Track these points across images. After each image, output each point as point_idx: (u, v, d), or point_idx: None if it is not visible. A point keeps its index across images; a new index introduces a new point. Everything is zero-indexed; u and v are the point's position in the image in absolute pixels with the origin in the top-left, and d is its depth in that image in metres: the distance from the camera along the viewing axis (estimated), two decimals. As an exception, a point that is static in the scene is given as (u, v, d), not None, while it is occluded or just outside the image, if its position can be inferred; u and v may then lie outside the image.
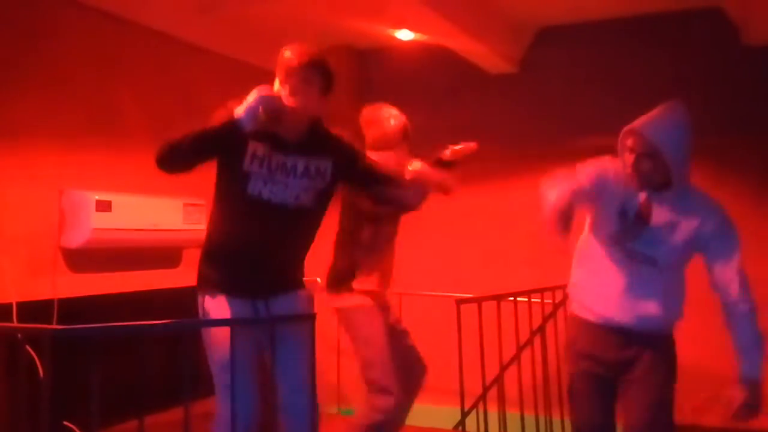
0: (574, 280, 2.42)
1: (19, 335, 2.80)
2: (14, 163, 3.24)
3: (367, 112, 2.94)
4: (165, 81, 4.03)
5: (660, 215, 2.17)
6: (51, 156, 3.41)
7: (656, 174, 2.14)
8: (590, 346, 2.30)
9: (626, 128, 2.19)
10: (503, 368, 3.23)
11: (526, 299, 3.33)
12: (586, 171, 2.24)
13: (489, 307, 3.07)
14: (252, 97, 2.04)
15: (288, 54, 2.15)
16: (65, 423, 3.07)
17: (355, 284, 2.79)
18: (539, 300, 3.44)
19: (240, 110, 2.04)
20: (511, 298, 3.24)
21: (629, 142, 2.17)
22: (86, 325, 1.91)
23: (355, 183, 2.41)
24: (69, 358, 2.09)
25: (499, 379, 3.19)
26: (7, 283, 3.10)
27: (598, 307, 2.28)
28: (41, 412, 1.81)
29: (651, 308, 2.20)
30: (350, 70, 5.23)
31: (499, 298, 3.20)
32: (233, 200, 2.19)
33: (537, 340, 3.38)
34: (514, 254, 4.71)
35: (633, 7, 4.41)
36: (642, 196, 2.21)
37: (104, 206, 3.41)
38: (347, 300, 2.79)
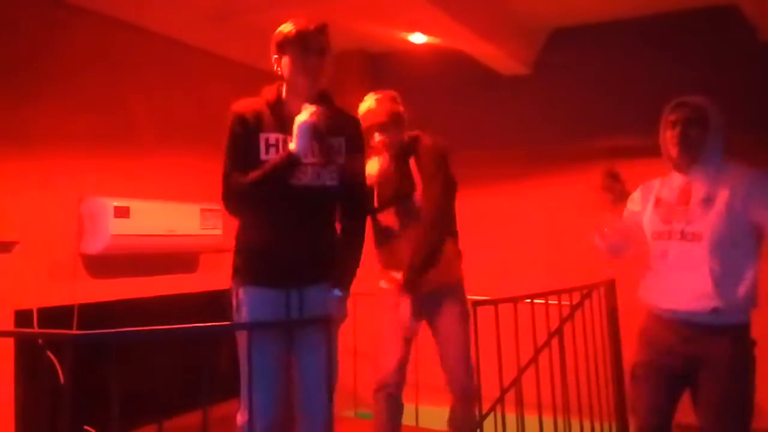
0: (643, 284, 2.47)
1: (40, 341, 2.85)
2: (33, 171, 3.29)
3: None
4: (180, 87, 4.07)
5: (698, 192, 2.24)
6: (69, 163, 3.46)
7: (702, 141, 2.24)
8: (659, 337, 2.34)
9: (674, 102, 2.30)
10: (521, 371, 3.20)
11: (543, 301, 3.31)
12: (628, 206, 2.45)
13: (506, 309, 3.05)
14: (298, 132, 2.11)
15: (283, 28, 2.20)
16: (85, 427, 3.10)
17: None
18: (557, 302, 3.42)
19: (293, 145, 2.11)
20: (528, 300, 3.22)
21: (675, 114, 2.27)
22: (106, 330, 1.93)
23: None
24: (89, 363, 2.11)
25: (516, 382, 3.17)
26: (28, 290, 3.14)
27: (663, 301, 2.32)
28: (62, 416, 1.83)
29: (706, 287, 2.20)
30: (363, 74, 5.24)
31: (515, 300, 3.18)
32: None
33: (555, 343, 3.36)
34: (530, 256, 4.70)
35: (647, 7, 4.38)
36: (680, 179, 2.29)
37: (122, 212, 3.45)
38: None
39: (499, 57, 4.55)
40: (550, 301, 3.35)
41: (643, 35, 4.53)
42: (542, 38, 4.82)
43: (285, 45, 2.18)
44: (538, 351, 3.29)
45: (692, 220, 2.24)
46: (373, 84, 5.27)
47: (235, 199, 2.15)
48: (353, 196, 2.30)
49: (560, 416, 3.27)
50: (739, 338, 2.25)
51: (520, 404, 3.11)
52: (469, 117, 4.84)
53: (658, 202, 2.38)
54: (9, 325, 3.02)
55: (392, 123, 2.88)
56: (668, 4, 4.35)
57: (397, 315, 2.86)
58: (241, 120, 2.16)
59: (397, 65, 5.17)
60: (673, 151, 2.28)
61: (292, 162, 2.11)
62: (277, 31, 2.22)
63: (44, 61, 3.36)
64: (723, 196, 2.21)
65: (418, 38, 4.72)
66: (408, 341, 2.98)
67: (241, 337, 2.19)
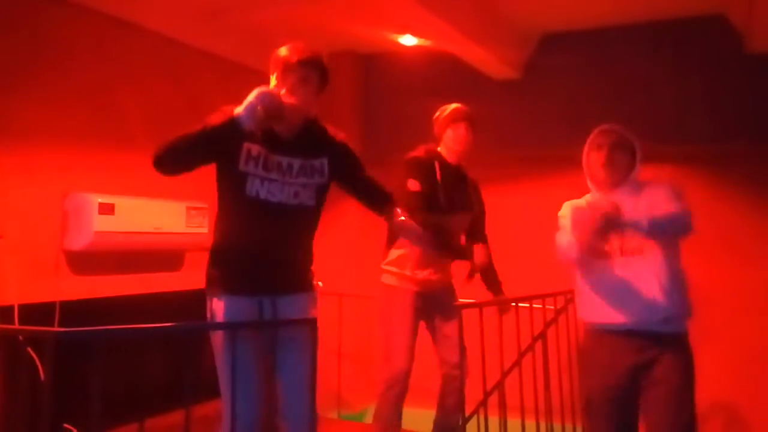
0: (582, 302, 2.47)
1: (21, 337, 2.81)
2: (18, 165, 3.25)
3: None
4: (170, 85, 4.05)
5: (626, 210, 2.26)
6: (55, 158, 3.42)
7: (627, 166, 2.35)
8: (608, 355, 2.33)
9: (599, 128, 2.41)
10: (504, 374, 3.22)
11: (528, 305, 3.32)
12: (567, 221, 2.43)
13: (490, 312, 3.06)
14: (252, 96, 2.03)
15: (285, 52, 2.17)
16: (65, 425, 3.07)
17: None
18: (541, 306, 3.43)
19: (240, 109, 2.03)
20: (513, 304, 3.24)
21: (601, 139, 2.38)
22: (88, 328, 1.91)
23: (345, 184, 2.38)
24: (70, 361, 2.09)
25: (500, 385, 3.18)
26: (10, 285, 3.10)
27: (611, 317, 2.32)
28: (42, 414, 1.81)
29: (656, 296, 2.23)
30: (354, 75, 5.24)
31: (500, 303, 3.20)
32: (233, 202, 2.20)
33: (538, 346, 3.37)
34: (515, 259, 4.70)
35: (637, 14, 4.42)
36: (608, 202, 2.29)
37: (107, 209, 3.42)
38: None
39: (490, 61, 4.57)
40: (534, 305, 3.37)
41: (633, 42, 4.57)
42: (533, 43, 4.84)
43: (284, 69, 2.15)
44: (521, 354, 3.30)
45: (627, 235, 2.29)
46: (364, 85, 5.28)
47: (163, 149, 2.02)
48: (373, 188, 2.37)
49: (543, 420, 3.28)
50: (684, 346, 2.31)
51: (503, 407, 3.12)
52: (458, 120, 4.84)
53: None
54: (-11, 320, 2.99)
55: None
56: (658, 13, 4.39)
57: (407, 313, 3.00)
58: (221, 112, 2.10)
59: (388, 67, 5.17)
60: (600, 173, 2.36)
61: (232, 124, 2.00)
62: (281, 53, 2.18)
63: (32, 55, 3.33)
64: (644, 208, 2.27)
65: (408, 40, 4.72)
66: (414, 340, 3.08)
67: (218, 345, 2.17)
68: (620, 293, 2.30)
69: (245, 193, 2.14)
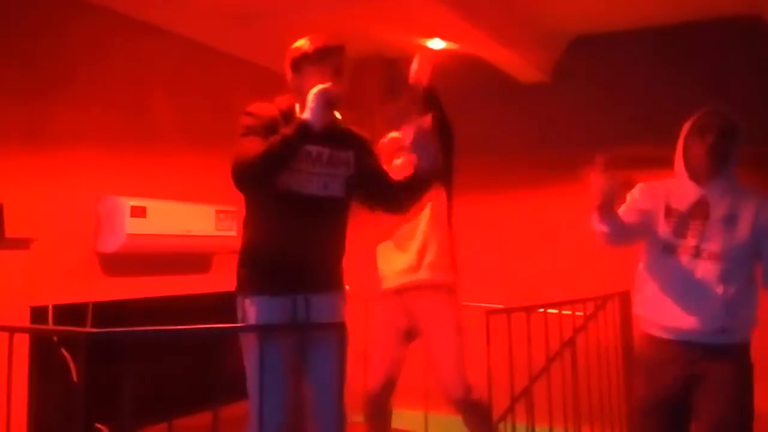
0: (643, 298, 2.35)
1: (55, 337, 2.88)
2: (52, 168, 3.32)
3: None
4: (201, 90, 4.10)
5: (718, 209, 2.15)
6: (89, 162, 3.49)
7: (729, 155, 2.15)
8: (660, 361, 2.24)
9: (704, 109, 2.20)
10: (532, 380, 3.19)
11: (557, 311, 3.28)
12: (631, 197, 2.32)
13: (519, 318, 3.04)
14: (312, 100, 2.05)
15: (312, 42, 2.17)
16: (97, 425, 3.12)
17: None
18: (570, 312, 3.39)
19: (306, 114, 2.06)
20: (542, 310, 3.20)
21: (708, 122, 2.16)
22: (120, 329, 1.94)
23: (366, 180, 2.31)
24: (102, 361, 2.12)
25: (527, 392, 3.15)
26: (44, 286, 3.17)
27: (667, 319, 2.22)
28: (75, 413, 1.84)
29: (716, 306, 2.12)
30: (381, 80, 5.25)
31: (529, 309, 3.17)
32: (264, 197, 2.19)
33: (567, 353, 3.33)
34: (545, 265, 4.67)
35: (668, 15, 4.35)
36: (696, 191, 2.19)
37: (139, 212, 3.47)
38: None
39: (518, 64, 4.54)
40: (563, 311, 3.33)
41: (664, 44, 4.50)
42: (561, 46, 4.79)
43: (301, 62, 2.17)
44: (550, 361, 3.27)
45: (710, 237, 2.14)
46: (391, 90, 5.28)
47: (249, 169, 2.04)
48: (390, 184, 2.30)
49: (571, 426, 3.24)
50: (740, 358, 2.19)
51: (531, 414, 3.09)
52: (486, 123, 4.82)
53: (669, 210, 2.23)
54: (24, 321, 3.05)
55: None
56: (690, 14, 4.31)
57: (383, 320, 2.95)
58: (257, 115, 2.16)
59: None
60: (703, 160, 2.15)
61: (304, 130, 2.04)
62: (294, 46, 2.21)
63: (64, 59, 3.40)
64: (746, 217, 2.13)
65: (436, 44, 4.71)
66: (403, 345, 3.00)
67: (248, 347, 2.16)
68: (680, 297, 2.18)
69: (276, 187, 2.14)
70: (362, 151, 2.29)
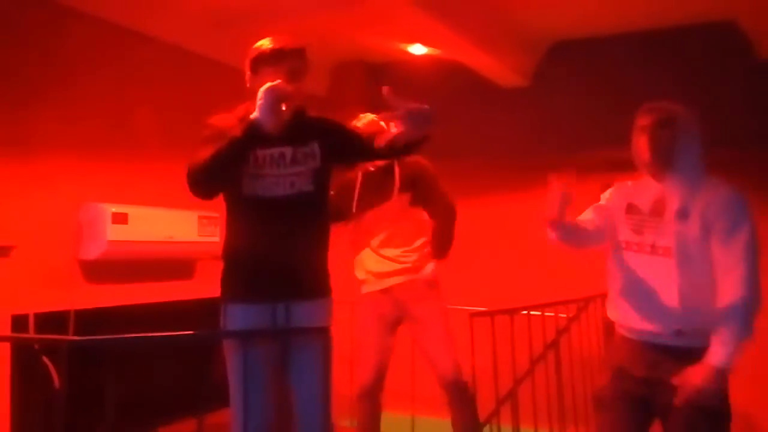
0: (609, 298, 2.35)
1: (36, 346, 2.84)
2: (32, 175, 3.29)
3: None
4: (181, 94, 4.08)
5: (673, 203, 2.14)
6: (69, 169, 3.46)
7: (673, 145, 2.14)
8: (623, 361, 2.21)
9: (643, 107, 2.23)
10: (517, 383, 3.20)
11: (540, 313, 3.31)
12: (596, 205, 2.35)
13: (502, 320, 3.06)
14: (261, 97, 1.99)
15: (271, 43, 2.15)
16: (79, 433, 3.09)
17: None
18: (553, 314, 3.43)
19: (255, 113, 2.00)
20: (525, 312, 3.23)
21: (644, 120, 2.20)
22: (102, 336, 1.93)
23: (352, 154, 2.33)
24: (85, 369, 2.11)
25: (512, 394, 3.17)
26: (25, 294, 3.13)
27: (628, 319, 2.21)
28: (56, 421, 1.83)
29: (672, 305, 2.08)
30: (363, 85, 5.26)
31: (512, 311, 3.19)
32: (236, 205, 2.19)
33: (551, 355, 3.36)
34: (527, 267, 4.70)
35: (646, 21, 4.41)
36: (655, 187, 2.20)
37: (120, 218, 3.45)
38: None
39: (498, 69, 4.58)
40: (546, 313, 3.36)
41: (642, 50, 4.56)
42: (541, 51, 4.85)
43: (258, 63, 2.15)
44: (534, 363, 3.29)
45: (664, 233, 2.12)
46: (374, 95, 5.30)
47: (198, 174, 2.01)
48: (363, 142, 2.24)
49: (556, 427, 3.27)
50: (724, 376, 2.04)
51: (516, 416, 3.11)
52: (467, 127, 4.86)
53: (630, 207, 2.24)
54: (5, 329, 3.01)
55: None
56: (667, 20, 4.38)
57: (370, 321, 3.00)
58: (212, 127, 2.14)
59: (397, 76, 5.19)
60: (645, 155, 2.17)
61: (253, 128, 1.97)
62: (254, 46, 2.18)
63: (46, 66, 3.37)
64: (697, 210, 2.10)
65: (417, 49, 4.75)
66: (391, 336, 3.08)
67: (229, 354, 2.15)
68: (639, 296, 2.16)
69: (243, 194, 2.13)
70: (328, 137, 2.23)
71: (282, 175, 2.15)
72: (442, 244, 3.04)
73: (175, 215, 3.78)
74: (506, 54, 4.47)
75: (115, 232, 3.42)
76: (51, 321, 3.17)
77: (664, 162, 2.16)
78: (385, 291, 3.04)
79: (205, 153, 2.01)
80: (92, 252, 3.43)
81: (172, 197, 3.85)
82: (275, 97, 2.00)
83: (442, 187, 3.06)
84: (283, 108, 2.04)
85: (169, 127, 3.97)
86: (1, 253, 3.04)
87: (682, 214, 2.11)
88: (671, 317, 2.09)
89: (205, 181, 2.04)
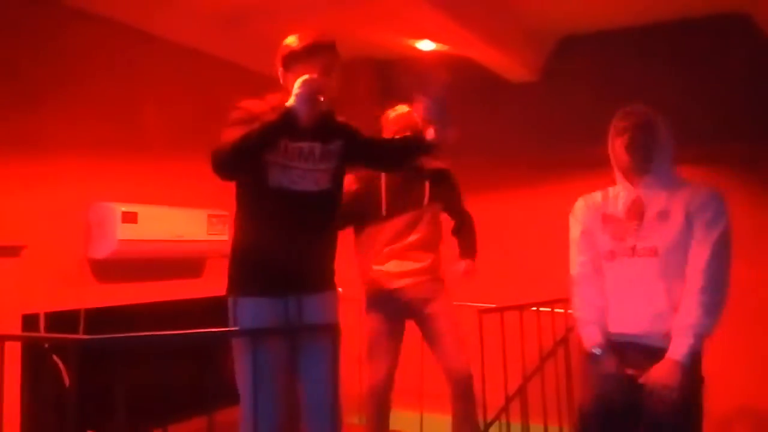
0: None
1: (47, 345, 2.86)
2: (43, 175, 3.31)
3: (383, 115, 3.16)
4: (190, 94, 4.09)
5: (652, 206, 2.15)
6: (79, 169, 3.48)
7: (652, 148, 2.17)
8: (601, 369, 2.18)
9: (622, 110, 2.27)
10: (526, 379, 3.19)
11: (549, 309, 3.30)
12: (574, 229, 2.35)
13: (511, 317, 3.05)
14: (298, 87, 2.02)
15: (302, 39, 2.17)
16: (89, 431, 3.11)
17: None
18: (563, 310, 3.41)
19: (291, 101, 2.02)
20: (534, 309, 3.22)
21: (624, 122, 2.23)
22: (112, 335, 1.94)
23: (369, 158, 2.44)
24: (95, 368, 2.11)
25: (521, 390, 3.16)
26: (35, 294, 3.15)
27: (612, 325, 2.18)
28: (67, 420, 1.83)
29: (660, 307, 2.07)
30: (371, 81, 5.26)
31: (521, 308, 3.18)
32: (257, 196, 2.18)
33: (560, 351, 3.35)
34: (536, 263, 4.68)
35: (655, 14, 4.37)
36: (629, 192, 2.21)
37: (130, 218, 3.46)
38: None
39: (507, 64, 4.55)
40: (556, 310, 3.35)
41: (651, 43, 4.52)
42: (550, 46, 4.82)
43: (291, 60, 2.17)
44: (543, 359, 3.28)
45: (646, 235, 2.12)
46: (382, 91, 5.29)
47: (227, 154, 2.01)
48: (394, 148, 2.43)
49: (565, 425, 3.25)
50: (690, 370, 2.05)
51: (525, 413, 3.10)
52: (476, 123, 4.83)
53: (606, 218, 2.24)
54: (16, 328, 3.03)
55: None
56: (678, 12, 4.33)
57: (377, 319, 3.00)
58: (245, 109, 2.15)
59: (406, 72, 5.18)
60: (624, 157, 2.20)
61: (288, 116, 2.00)
62: (284, 43, 2.20)
63: (55, 66, 3.39)
64: (678, 208, 2.11)
65: (426, 45, 4.73)
66: (400, 336, 3.07)
67: (239, 350, 2.15)
68: (624, 298, 2.14)
69: (267, 184, 2.13)
70: (350, 138, 2.30)
71: (309, 170, 2.17)
72: (472, 245, 3.16)
73: (185, 214, 3.79)
74: (515, 49, 4.45)
75: (124, 232, 3.43)
76: (61, 320, 3.19)
77: (642, 163, 2.19)
78: (399, 290, 3.02)
79: (235, 134, 2.03)
80: (102, 251, 3.45)
81: (182, 196, 3.87)
82: (312, 89, 2.03)
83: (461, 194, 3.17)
84: (321, 99, 2.07)
85: (178, 126, 3.98)
86: (11, 252, 3.06)
87: (663, 215, 2.13)
88: (661, 318, 2.08)
89: (233, 162, 2.05)
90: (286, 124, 2.02)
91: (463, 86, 4.94)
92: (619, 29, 4.56)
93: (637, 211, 2.17)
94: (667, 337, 2.07)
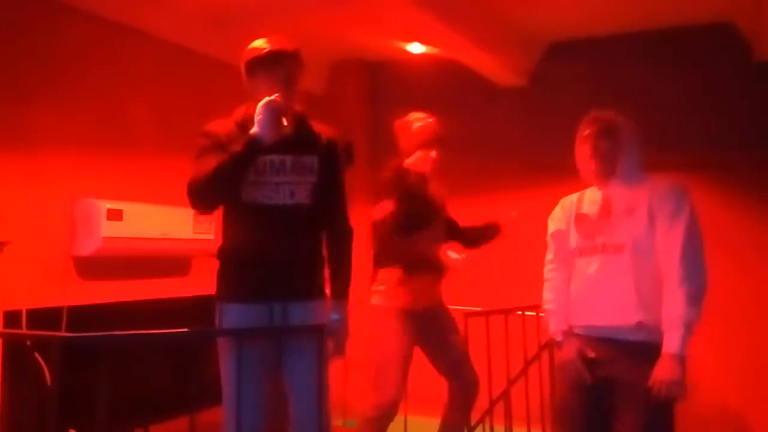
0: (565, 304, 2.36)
1: (28, 342, 2.83)
2: (27, 170, 3.28)
3: (398, 122, 3.04)
4: (178, 92, 4.07)
5: (619, 203, 2.21)
6: (64, 165, 3.45)
7: (615, 152, 2.22)
8: (581, 361, 2.21)
9: (586, 117, 2.32)
10: (510, 383, 3.20)
11: (534, 313, 3.31)
12: (549, 228, 2.42)
13: (497, 320, 3.06)
14: (260, 111, 2.03)
15: (264, 45, 2.14)
16: (71, 430, 3.08)
17: None
18: (548, 314, 3.42)
19: (254, 128, 2.03)
20: (520, 312, 3.23)
21: (587, 129, 2.28)
22: (95, 333, 1.92)
23: (322, 192, 2.25)
24: (77, 365, 2.10)
25: (505, 394, 3.17)
26: (18, 290, 3.12)
27: (583, 318, 2.24)
28: (48, 418, 1.82)
29: (629, 300, 2.11)
30: (362, 83, 5.26)
31: (507, 311, 3.19)
32: (234, 209, 2.20)
33: (545, 356, 3.36)
34: (522, 267, 4.69)
35: (644, 22, 4.41)
36: (600, 193, 2.27)
37: (115, 215, 3.44)
38: None
39: (497, 68, 4.57)
40: (540, 314, 3.36)
41: (640, 50, 4.57)
42: (540, 51, 4.84)
43: (254, 66, 2.15)
44: (528, 363, 3.29)
45: (614, 231, 2.18)
46: (372, 94, 5.30)
47: (200, 190, 2.04)
48: (334, 211, 2.26)
49: (548, 429, 3.27)
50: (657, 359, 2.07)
51: (509, 416, 3.11)
52: (466, 127, 4.84)
53: (578, 217, 2.31)
54: (-2, 325, 3.00)
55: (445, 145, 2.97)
56: (666, 21, 4.38)
57: (399, 337, 2.86)
58: (210, 135, 2.14)
59: (395, 75, 5.19)
60: (591, 164, 2.25)
61: (254, 145, 2.01)
62: (249, 47, 2.18)
63: (42, 62, 3.36)
64: (642, 204, 2.16)
65: (416, 48, 4.74)
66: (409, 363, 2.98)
67: (224, 351, 2.15)
68: (593, 294, 2.19)
69: (242, 200, 2.14)
70: (327, 155, 2.24)
71: (281, 182, 2.16)
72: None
73: (171, 212, 3.77)
74: (504, 53, 4.47)
75: (109, 229, 3.41)
76: (44, 317, 3.16)
77: (606, 169, 2.24)
78: (423, 311, 2.94)
79: (205, 167, 2.04)
80: (86, 248, 3.42)
81: (168, 194, 3.84)
82: (274, 112, 2.03)
83: None
84: (284, 122, 2.07)
85: (166, 124, 3.96)
86: (-6, 248, 3.03)
87: (629, 210, 2.18)
88: (630, 310, 2.12)
89: (208, 197, 2.09)
90: (252, 151, 2.03)
91: (451, 89, 4.99)
92: (607, 36, 4.60)
93: (605, 210, 2.24)
94: (636, 329, 2.11)
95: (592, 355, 2.19)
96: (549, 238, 2.42)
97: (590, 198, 2.33)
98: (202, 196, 2.06)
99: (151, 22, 3.81)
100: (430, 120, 2.96)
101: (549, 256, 2.42)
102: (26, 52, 3.30)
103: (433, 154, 2.90)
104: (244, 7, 3.94)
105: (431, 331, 2.96)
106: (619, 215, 2.20)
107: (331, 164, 2.25)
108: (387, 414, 2.86)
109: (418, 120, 2.97)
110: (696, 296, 2.05)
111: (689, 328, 2.03)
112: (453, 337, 2.98)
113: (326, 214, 2.26)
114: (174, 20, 3.88)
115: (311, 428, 2.18)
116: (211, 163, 2.03)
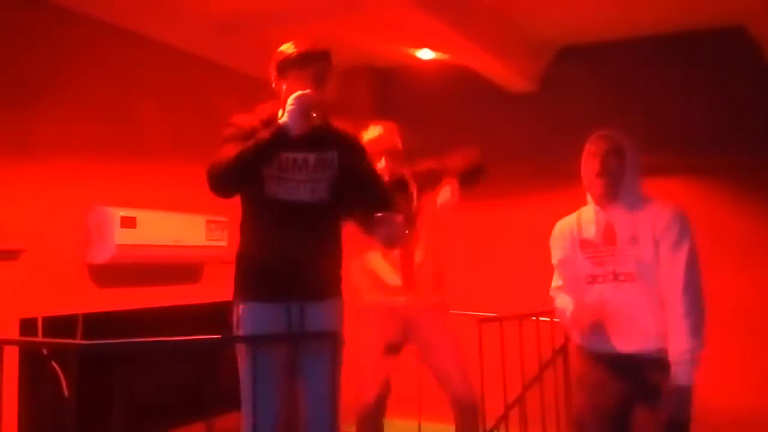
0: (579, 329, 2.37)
1: (45, 350, 2.85)
2: (41, 179, 3.30)
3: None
4: (188, 98, 4.10)
5: (622, 232, 2.22)
6: (77, 173, 3.47)
7: (621, 172, 2.23)
8: (602, 378, 2.25)
9: (594, 135, 2.31)
10: (525, 388, 3.19)
11: (548, 319, 3.30)
12: (554, 255, 2.43)
13: (511, 326, 3.05)
14: (291, 103, 2.05)
15: (296, 46, 2.17)
16: (87, 438, 3.09)
17: None
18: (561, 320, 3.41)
19: (284, 118, 2.05)
20: (534, 318, 3.22)
21: (595, 147, 2.28)
22: (110, 341, 1.93)
23: (351, 181, 2.27)
24: (93, 373, 2.11)
25: (520, 399, 3.16)
26: (33, 298, 3.14)
27: (602, 341, 2.24)
28: (66, 427, 1.82)
29: (649, 330, 2.15)
30: (371, 90, 5.27)
31: (521, 317, 3.18)
32: (254, 206, 2.21)
33: (559, 361, 3.35)
34: (535, 273, 4.67)
35: (653, 26, 4.40)
36: (601, 216, 2.27)
37: (129, 222, 3.46)
38: None
39: (506, 73, 4.57)
40: (554, 319, 3.35)
41: (650, 55, 4.55)
42: (549, 56, 4.84)
43: (285, 66, 2.17)
44: (542, 368, 3.28)
45: (622, 260, 2.20)
46: (382, 100, 5.30)
47: (221, 172, 2.04)
48: (375, 190, 2.27)
49: (564, 435, 3.25)
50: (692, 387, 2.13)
51: (524, 422, 3.09)
52: (476, 132, 4.85)
53: (583, 243, 2.31)
54: (14, 333, 3.02)
55: (397, 153, 2.98)
56: (675, 25, 4.36)
57: (375, 336, 2.91)
58: (237, 125, 2.16)
59: (405, 81, 5.19)
60: (597, 181, 2.25)
61: (281, 133, 2.03)
62: (279, 49, 2.21)
63: (54, 70, 3.39)
64: (646, 232, 2.18)
65: (425, 54, 4.74)
66: (392, 358, 2.99)
67: (242, 355, 2.16)
68: (613, 320, 2.20)
69: (265, 196, 2.15)
70: (345, 148, 2.25)
71: (304, 180, 2.17)
72: None
73: (183, 219, 3.79)
74: (514, 58, 4.47)
75: (123, 236, 3.43)
76: (59, 325, 3.18)
77: (612, 188, 2.24)
78: (392, 309, 2.96)
79: (228, 152, 2.05)
80: (101, 256, 3.44)
81: (181, 201, 3.87)
82: (305, 105, 2.05)
83: None
84: (314, 115, 2.09)
85: (177, 130, 3.98)
86: (9, 256, 3.05)
87: (634, 240, 2.20)
88: (650, 341, 2.16)
89: (228, 181, 2.08)
90: (279, 141, 2.05)
91: (461, 95, 4.99)
92: (617, 40, 4.59)
93: (610, 237, 2.24)
94: (658, 351, 2.14)
95: (617, 389, 2.21)
96: (556, 265, 2.42)
97: (587, 219, 2.32)
98: (223, 178, 2.06)
99: (160, 29, 3.84)
100: (381, 131, 2.97)
101: (557, 283, 2.43)
102: (38, 60, 3.33)
103: (381, 164, 2.90)
104: (252, 15, 3.96)
105: (412, 331, 2.97)
106: (624, 244, 2.21)
107: (353, 155, 2.26)
108: (366, 415, 2.92)
109: (370, 131, 2.99)
110: (699, 327, 2.10)
111: (695, 360, 2.08)
112: (438, 341, 2.95)
113: (365, 190, 2.25)
114: (181, 26, 3.91)
115: (322, 430, 2.19)
116: (234, 149, 2.05)
